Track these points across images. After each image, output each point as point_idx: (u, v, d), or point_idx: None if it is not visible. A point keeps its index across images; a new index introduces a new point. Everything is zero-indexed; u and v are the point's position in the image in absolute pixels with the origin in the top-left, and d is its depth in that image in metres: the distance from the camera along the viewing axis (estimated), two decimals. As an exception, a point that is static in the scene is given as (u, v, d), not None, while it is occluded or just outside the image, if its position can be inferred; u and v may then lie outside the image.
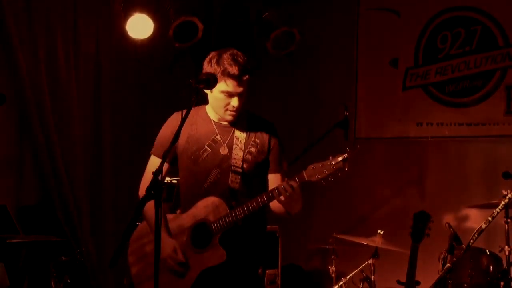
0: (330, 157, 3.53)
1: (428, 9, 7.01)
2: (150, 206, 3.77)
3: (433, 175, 6.88)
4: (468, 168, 6.73)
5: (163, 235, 3.68)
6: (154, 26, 6.70)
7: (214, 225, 3.69)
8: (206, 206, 3.74)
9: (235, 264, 3.72)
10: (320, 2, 7.49)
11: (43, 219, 6.19)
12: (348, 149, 3.50)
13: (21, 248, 5.60)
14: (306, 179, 3.54)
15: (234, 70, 3.69)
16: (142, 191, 3.97)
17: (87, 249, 6.33)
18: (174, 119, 3.93)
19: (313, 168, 3.53)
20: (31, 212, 6.16)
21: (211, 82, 3.63)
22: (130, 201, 4.00)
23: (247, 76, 3.73)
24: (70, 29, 6.54)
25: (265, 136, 3.87)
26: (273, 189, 3.62)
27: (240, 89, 3.73)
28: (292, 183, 3.56)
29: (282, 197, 3.58)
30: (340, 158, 3.48)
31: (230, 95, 3.72)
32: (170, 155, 3.86)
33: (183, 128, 3.76)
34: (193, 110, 3.75)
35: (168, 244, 3.70)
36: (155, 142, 3.99)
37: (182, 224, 3.78)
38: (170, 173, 4.09)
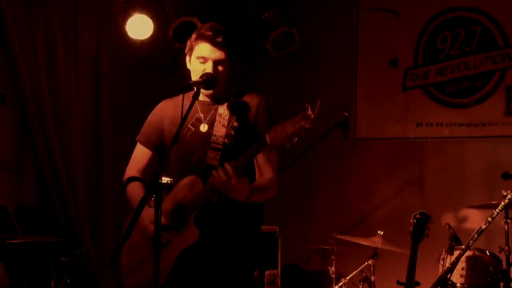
0: (295, 117, 3.36)
1: (427, 9, 7.01)
2: (131, 187, 3.90)
3: (432, 176, 6.88)
4: (468, 169, 6.73)
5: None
6: (154, 27, 6.70)
7: (189, 205, 3.61)
8: (184, 186, 3.67)
9: (210, 244, 3.63)
10: (319, 2, 7.49)
11: (43, 220, 6.18)
12: (307, 105, 3.34)
13: (21, 248, 5.60)
14: (269, 142, 3.34)
15: (208, 32, 3.67)
16: (126, 175, 3.99)
17: (87, 249, 6.33)
18: (160, 108, 3.96)
19: (275, 130, 3.34)
20: (31, 212, 6.15)
21: (211, 82, 3.63)
22: (127, 201, 3.99)
23: (220, 38, 3.66)
24: (69, 30, 6.54)
25: (252, 109, 3.79)
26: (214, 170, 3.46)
27: (216, 54, 3.67)
28: (226, 165, 3.40)
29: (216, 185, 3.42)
30: (301, 117, 3.31)
31: (204, 60, 3.68)
32: (154, 143, 3.93)
33: (168, 113, 3.86)
34: (181, 95, 3.79)
35: (147, 212, 3.60)
36: (141, 130, 4.02)
37: (165, 207, 3.64)
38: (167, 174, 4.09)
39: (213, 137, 3.71)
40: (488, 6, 6.73)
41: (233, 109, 3.78)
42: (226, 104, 3.80)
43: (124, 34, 6.70)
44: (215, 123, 3.74)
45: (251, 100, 3.84)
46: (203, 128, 3.75)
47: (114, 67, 6.99)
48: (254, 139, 3.63)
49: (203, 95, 3.81)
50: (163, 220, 3.59)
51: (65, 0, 6.51)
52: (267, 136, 3.36)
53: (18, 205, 6.11)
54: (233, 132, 3.72)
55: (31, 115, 6.05)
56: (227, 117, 3.75)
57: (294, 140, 3.32)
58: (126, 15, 6.64)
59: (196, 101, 3.75)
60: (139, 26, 6.65)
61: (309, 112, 3.30)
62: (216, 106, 3.80)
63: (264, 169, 3.74)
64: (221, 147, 3.69)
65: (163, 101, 3.98)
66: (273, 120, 3.82)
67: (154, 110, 3.99)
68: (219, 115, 3.76)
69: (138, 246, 3.41)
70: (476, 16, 6.78)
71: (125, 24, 6.63)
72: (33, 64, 6.08)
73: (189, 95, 3.76)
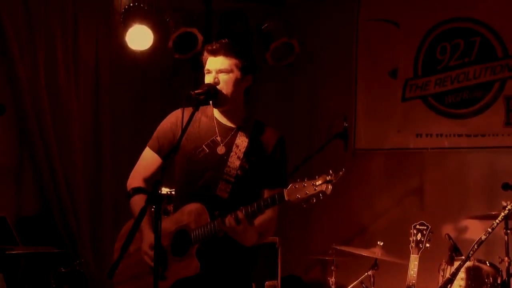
0: (316, 177, 3.30)
1: (427, 20, 7.02)
2: (136, 200, 3.79)
3: (432, 186, 6.87)
4: (468, 179, 6.72)
5: (146, 230, 3.60)
6: (154, 37, 6.71)
7: (193, 234, 3.54)
8: (189, 213, 3.59)
9: (210, 278, 3.59)
10: (319, 13, 7.50)
11: (42, 230, 6.18)
12: (331, 171, 3.28)
13: (20, 259, 5.60)
14: (286, 198, 3.32)
15: (210, 45, 3.67)
16: (130, 182, 3.89)
17: (86, 260, 6.33)
18: (175, 115, 3.82)
19: (295, 187, 3.30)
20: (30, 223, 6.16)
21: (211, 93, 3.59)
22: (130, 211, 3.96)
23: (217, 46, 3.63)
24: (70, 40, 6.56)
25: (270, 145, 3.73)
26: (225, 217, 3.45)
27: (217, 64, 3.63)
28: (239, 213, 3.40)
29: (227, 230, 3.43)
30: (323, 180, 3.26)
31: (208, 71, 3.65)
32: (165, 150, 3.78)
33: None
34: (200, 109, 3.64)
35: (146, 239, 3.58)
36: (153, 135, 3.87)
37: (165, 228, 3.56)
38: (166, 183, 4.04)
39: (227, 168, 3.65)
40: (488, 17, 6.73)
41: (251, 142, 3.71)
42: (245, 135, 3.72)
43: (124, 45, 6.72)
44: (231, 154, 3.67)
45: (270, 135, 3.77)
46: (221, 150, 3.68)
47: (114, 77, 7.01)
48: (265, 175, 3.68)
49: (221, 115, 3.75)
50: (163, 241, 3.53)
51: (65, 10, 6.53)
52: (285, 192, 3.33)
53: (18, 216, 6.12)
54: (247, 166, 3.66)
55: (31, 126, 6.06)
56: (244, 150, 3.68)
57: (312, 201, 3.30)
58: (126, 26, 6.65)
59: (215, 121, 3.74)
60: (139, 37, 6.66)
61: (332, 177, 3.26)
62: (236, 133, 3.72)
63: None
64: (233, 180, 3.63)
65: (178, 109, 3.79)
66: (286, 163, 3.80)
67: (170, 117, 3.85)
68: (236, 146, 3.69)
69: (132, 259, 3.34)
70: (476, 27, 6.78)
71: (125, 34, 6.65)
72: (33, 74, 6.10)
73: (205, 108, 3.71)
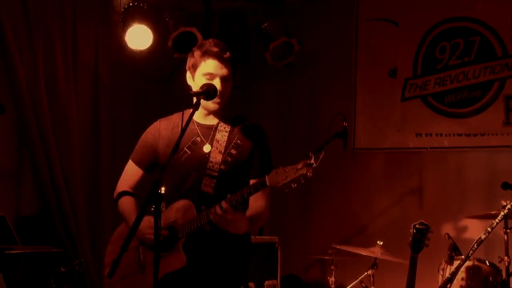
0: (297, 161, 3.29)
1: (427, 20, 7.02)
2: (123, 200, 3.94)
3: (432, 186, 6.88)
4: (467, 179, 6.72)
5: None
6: (153, 37, 6.71)
7: (180, 229, 3.57)
8: (177, 209, 3.64)
9: (199, 272, 3.61)
10: (319, 12, 7.50)
11: (41, 230, 6.18)
12: (311, 154, 3.27)
13: (19, 258, 5.60)
14: (268, 183, 3.31)
15: (214, 48, 3.63)
16: (117, 190, 4.02)
17: (86, 260, 6.33)
18: (155, 128, 3.89)
19: (276, 173, 3.29)
20: (29, 223, 6.15)
21: (211, 92, 3.58)
22: (119, 214, 3.98)
23: (228, 54, 3.63)
24: (69, 40, 6.56)
25: (250, 138, 3.74)
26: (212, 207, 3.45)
27: (223, 71, 3.63)
28: (222, 202, 3.40)
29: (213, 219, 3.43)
30: (303, 164, 3.24)
31: (212, 76, 3.63)
32: (147, 162, 3.87)
33: (164, 134, 3.79)
34: (177, 115, 3.71)
35: (143, 224, 3.49)
36: (135, 148, 3.95)
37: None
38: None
39: (209, 164, 3.67)
40: (487, 17, 6.73)
41: (231, 136, 3.73)
42: (224, 129, 3.75)
43: (123, 45, 6.71)
44: (212, 149, 3.69)
45: (250, 127, 3.80)
46: (206, 148, 3.70)
47: (114, 77, 7.01)
48: (249, 168, 3.69)
49: (203, 115, 3.76)
50: (152, 238, 3.54)
51: (64, 11, 6.53)
52: (267, 178, 3.32)
53: (17, 215, 6.12)
54: (229, 160, 3.68)
55: (30, 126, 6.06)
56: (224, 144, 3.70)
57: (293, 186, 3.28)
58: (125, 26, 6.65)
59: (195, 123, 3.74)
60: (139, 37, 6.66)
61: (312, 160, 3.25)
62: (213, 128, 3.74)
63: (257, 194, 3.60)
64: (216, 174, 3.66)
65: (158, 120, 3.91)
66: (269, 151, 3.81)
67: (149, 129, 3.93)
68: (216, 141, 3.71)
69: (123, 260, 3.33)
70: (475, 27, 6.78)
71: (124, 34, 6.65)
72: (32, 74, 6.10)
73: (187, 113, 3.67)
